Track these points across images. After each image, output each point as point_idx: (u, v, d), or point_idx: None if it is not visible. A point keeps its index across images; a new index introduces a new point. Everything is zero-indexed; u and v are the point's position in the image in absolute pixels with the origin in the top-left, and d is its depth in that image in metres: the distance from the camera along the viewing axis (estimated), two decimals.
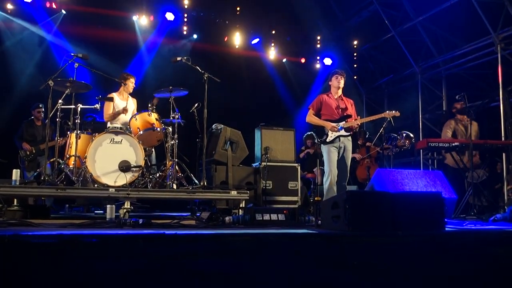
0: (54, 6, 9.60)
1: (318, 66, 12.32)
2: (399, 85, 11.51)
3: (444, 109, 10.23)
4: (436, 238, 3.70)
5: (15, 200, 5.13)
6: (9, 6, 9.36)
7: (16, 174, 5.21)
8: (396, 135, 7.89)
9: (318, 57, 12.28)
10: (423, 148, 8.00)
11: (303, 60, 12.23)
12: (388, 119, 6.43)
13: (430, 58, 10.29)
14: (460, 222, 5.28)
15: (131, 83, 6.71)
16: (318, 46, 12.24)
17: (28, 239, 2.72)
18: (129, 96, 6.77)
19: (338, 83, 6.29)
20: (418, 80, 10.61)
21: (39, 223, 4.05)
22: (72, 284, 2.59)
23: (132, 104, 6.74)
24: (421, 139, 9.29)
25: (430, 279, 3.28)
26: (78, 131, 5.76)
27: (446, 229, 3.98)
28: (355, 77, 12.34)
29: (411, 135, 7.84)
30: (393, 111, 6.34)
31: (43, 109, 7.68)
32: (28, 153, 7.46)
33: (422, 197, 4.27)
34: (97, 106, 6.28)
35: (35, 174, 6.65)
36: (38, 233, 2.97)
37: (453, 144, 7.00)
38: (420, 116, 10.50)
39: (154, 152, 6.79)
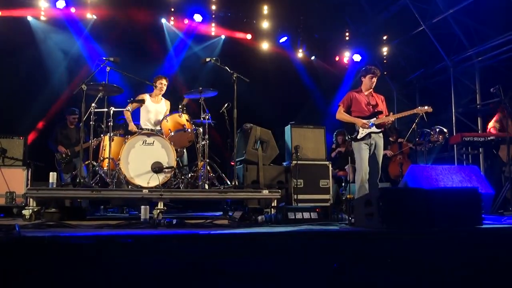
0: (84, 11, 9.80)
1: (347, 62, 12.21)
2: (431, 79, 11.29)
3: (478, 102, 10.00)
4: (473, 234, 3.62)
5: (53, 202, 5.27)
6: (42, 13, 9.60)
7: (53, 176, 5.34)
8: (429, 130, 7.75)
9: (347, 54, 12.17)
10: (457, 143, 7.83)
11: (337, 58, 12.15)
12: (421, 114, 6.30)
13: (462, 51, 10.06)
14: (498, 218, 5.15)
15: (162, 84, 6.78)
16: (347, 42, 12.12)
17: (67, 240, 2.79)
18: (162, 97, 6.87)
19: (371, 83, 6.20)
20: (451, 73, 10.39)
21: (76, 224, 4.15)
22: (109, 283, 2.64)
23: (164, 105, 6.83)
24: (454, 134, 9.10)
25: (468, 275, 3.22)
26: (111, 134, 5.86)
27: (484, 225, 3.89)
28: (385, 73, 12.15)
29: (445, 130, 7.68)
30: (426, 107, 6.19)
31: (77, 115, 7.77)
32: (63, 155, 7.64)
33: (458, 192, 4.18)
34: (129, 108, 6.39)
35: (72, 176, 6.81)
36: (76, 234, 3.04)
37: (489, 138, 6.82)
38: (453, 111, 10.28)
39: (185, 153, 6.86)
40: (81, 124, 5.86)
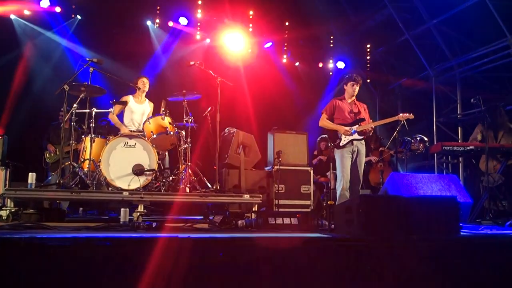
0: (69, 12, 9.73)
1: (331, 69, 12.29)
2: (413, 88, 11.42)
3: (458, 112, 10.15)
4: (451, 242, 3.66)
5: (31, 203, 5.19)
6: (26, 12, 9.49)
7: (31, 177, 5.27)
8: (410, 138, 7.83)
9: (331, 61, 12.25)
10: (437, 152, 7.92)
11: (320, 65, 12.22)
12: (402, 122, 6.37)
13: (444, 61, 10.21)
14: (475, 227, 5.22)
15: (143, 82, 6.76)
16: (331, 49, 12.20)
17: (43, 242, 2.75)
18: (146, 99, 6.84)
19: (353, 91, 6.28)
20: (432, 83, 10.53)
21: (54, 226, 4.09)
22: (86, 285, 2.62)
23: (148, 107, 6.80)
24: (435, 143, 9.21)
25: (445, 283, 3.25)
26: (93, 135, 5.81)
27: (462, 233, 3.94)
28: (368, 81, 12.26)
29: (425, 138, 7.77)
30: (407, 114, 6.27)
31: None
32: (52, 154, 7.60)
33: (437, 201, 4.22)
34: (111, 110, 6.35)
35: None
36: (54, 236, 3.00)
37: (468, 148, 6.93)
38: (434, 120, 10.42)
39: (167, 155, 6.83)
40: (62, 124, 5.80)
